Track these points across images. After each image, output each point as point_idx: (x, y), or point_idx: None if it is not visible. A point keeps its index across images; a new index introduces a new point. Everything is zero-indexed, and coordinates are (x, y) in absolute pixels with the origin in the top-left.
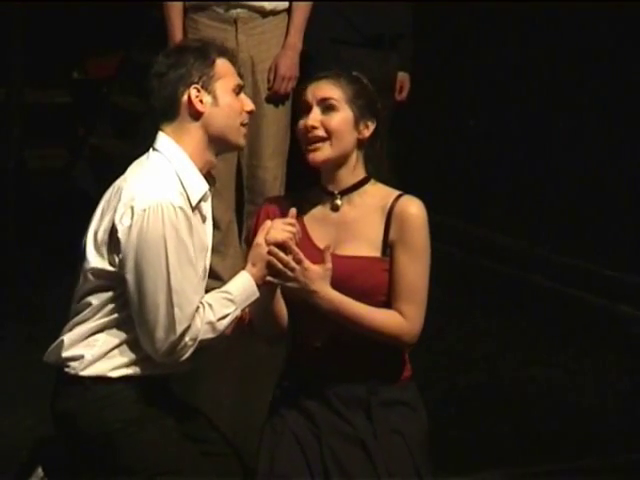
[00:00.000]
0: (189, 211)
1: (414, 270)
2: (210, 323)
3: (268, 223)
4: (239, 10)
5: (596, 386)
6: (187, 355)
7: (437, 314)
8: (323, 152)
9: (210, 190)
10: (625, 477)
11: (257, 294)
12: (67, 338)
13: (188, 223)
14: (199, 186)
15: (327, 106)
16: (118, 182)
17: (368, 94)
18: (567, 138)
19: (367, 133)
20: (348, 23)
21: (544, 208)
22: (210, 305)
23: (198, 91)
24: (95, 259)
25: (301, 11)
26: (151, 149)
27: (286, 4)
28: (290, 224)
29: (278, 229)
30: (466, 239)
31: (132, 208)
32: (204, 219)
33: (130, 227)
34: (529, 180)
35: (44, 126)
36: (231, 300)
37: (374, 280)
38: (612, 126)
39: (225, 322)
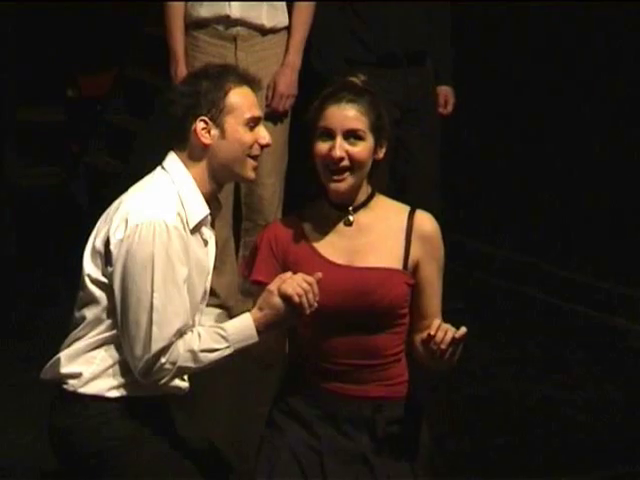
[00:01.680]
0: (184, 232)
1: (441, 283)
2: (192, 351)
3: (288, 274)
4: (239, 28)
5: (592, 399)
6: (166, 379)
7: None
8: (347, 182)
9: (213, 215)
10: None
11: (255, 339)
12: (64, 354)
13: (182, 243)
14: (199, 210)
15: (353, 136)
16: (122, 196)
17: (384, 115)
18: (563, 151)
19: (382, 154)
20: (360, 43)
21: (541, 221)
22: (199, 334)
23: (206, 123)
24: (91, 268)
25: (300, 29)
26: (159, 167)
27: (286, 22)
28: (309, 283)
29: (293, 283)
30: (463, 252)
31: (126, 221)
32: (205, 243)
33: (121, 240)
34: (526, 194)
35: (38, 144)
36: (223, 337)
37: (397, 291)
38: (610, 142)
39: (211, 356)
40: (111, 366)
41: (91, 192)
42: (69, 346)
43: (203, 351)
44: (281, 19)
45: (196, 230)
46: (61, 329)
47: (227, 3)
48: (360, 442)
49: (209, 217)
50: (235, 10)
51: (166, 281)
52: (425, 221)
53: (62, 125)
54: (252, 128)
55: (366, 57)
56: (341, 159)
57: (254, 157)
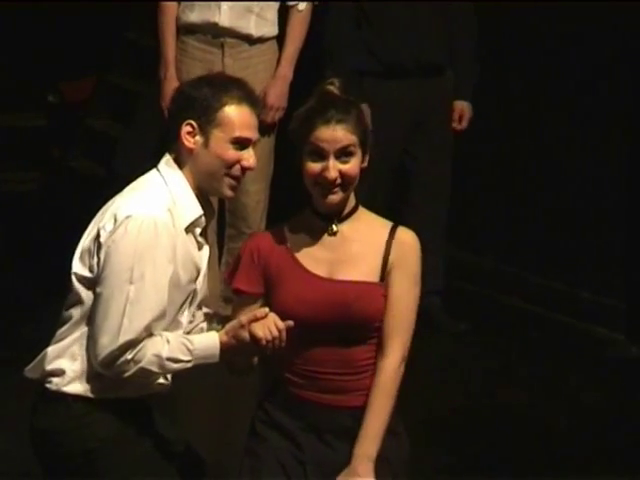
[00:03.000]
0: (174, 229)
1: (409, 295)
2: (159, 357)
3: (264, 311)
4: (226, 37)
5: (572, 408)
6: (127, 374)
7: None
8: (339, 195)
9: (207, 218)
10: None
11: (216, 359)
12: (51, 350)
13: (170, 241)
14: (192, 209)
15: (344, 154)
16: (116, 196)
17: (367, 125)
18: (546, 162)
19: (365, 163)
20: (372, 54)
21: (523, 232)
22: (168, 341)
23: (192, 128)
24: (79, 267)
25: (294, 42)
26: (154, 169)
27: (275, 33)
28: (279, 330)
29: (264, 326)
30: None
31: (115, 215)
32: (200, 246)
33: (110, 232)
34: (508, 204)
35: (19, 149)
36: (189, 350)
37: (374, 305)
38: (596, 153)
39: (174, 366)
40: (94, 365)
41: (73, 197)
42: (56, 343)
43: (169, 359)
44: (270, 29)
45: (190, 230)
46: (42, 336)
47: (217, 10)
48: (342, 452)
49: (203, 219)
50: (224, 18)
51: (144, 276)
52: (405, 235)
53: (44, 130)
54: (239, 148)
55: (377, 68)
56: (335, 179)
57: (235, 177)
